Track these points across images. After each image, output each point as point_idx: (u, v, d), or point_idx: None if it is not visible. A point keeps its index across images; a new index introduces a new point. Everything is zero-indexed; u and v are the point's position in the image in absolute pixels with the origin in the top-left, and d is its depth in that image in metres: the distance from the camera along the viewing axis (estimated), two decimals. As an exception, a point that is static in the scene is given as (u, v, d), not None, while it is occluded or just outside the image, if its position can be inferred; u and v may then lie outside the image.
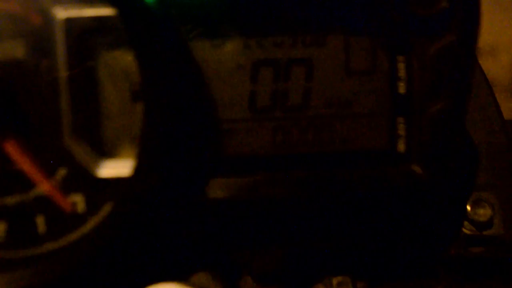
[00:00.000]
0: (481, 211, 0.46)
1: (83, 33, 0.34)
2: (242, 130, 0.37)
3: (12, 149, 0.34)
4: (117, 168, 0.35)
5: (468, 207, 0.46)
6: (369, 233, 0.40)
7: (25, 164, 0.35)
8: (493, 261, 0.46)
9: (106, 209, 0.35)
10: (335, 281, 0.42)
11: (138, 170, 0.33)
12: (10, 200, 0.35)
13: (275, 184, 0.36)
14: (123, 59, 0.35)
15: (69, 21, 0.34)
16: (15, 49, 0.34)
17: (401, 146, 0.37)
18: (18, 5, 0.34)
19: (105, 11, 0.34)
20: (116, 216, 0.34)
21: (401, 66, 0.36)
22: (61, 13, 0.34)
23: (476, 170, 0.47)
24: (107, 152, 0.36)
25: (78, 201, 0.36)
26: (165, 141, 0.34)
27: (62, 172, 0.35)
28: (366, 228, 0.40)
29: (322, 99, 0.37)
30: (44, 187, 0.35)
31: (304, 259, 0.41)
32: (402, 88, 0.37)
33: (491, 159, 0.49)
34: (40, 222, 0.36)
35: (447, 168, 0.37)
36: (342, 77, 0.37)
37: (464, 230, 0.46)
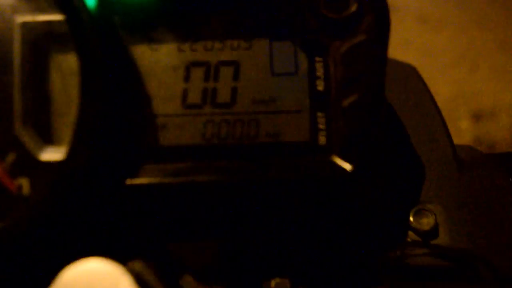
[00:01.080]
0: (424, 220, 0.47)
1: (37, 35, 0.40)
2: (175, 123, 0.41)
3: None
4: (58, 153, 0.39)
5: (411, 217, 0.47)
6: (297, 228, 0.42)
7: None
8: (437, 269, 0.46)
9: (46, 191, 0.39)
10: (273, 283, 0.44)
11: (70, 154, 0.37)
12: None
13: (202, 170, 0.39)
14: (71, 60, 0.40)
15: (25, 24, 0.39)
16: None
17: (322, 139, 0.40)
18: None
19: (56, 17, 0.39)
20: (51, 198, 0.38)
21: (319, 66, 0.40)
22: (19, 18, 0.39)
23: (420, 181, 0.49)
24: (53, 140, 0.40)
25: (24, 184, 0.39)
26: (97, 130, 0.38)
27: (11, 157, 0.39)
28: (294, 222, 0.42)
29: (249, 97, 0.41)
30: (-6, 170, 0.39)
31: (240, 254, 0.43)
32: (320, 86, 0.40)
33: (437, 174, 0.50)
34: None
35: (366, 158, 0.39)
36: (267, 77, 0.41)
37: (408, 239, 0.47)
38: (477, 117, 1.43)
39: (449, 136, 0.54)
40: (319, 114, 0.40)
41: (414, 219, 0.47)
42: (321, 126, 0.40)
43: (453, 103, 1.41)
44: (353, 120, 0.39)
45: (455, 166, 0.51)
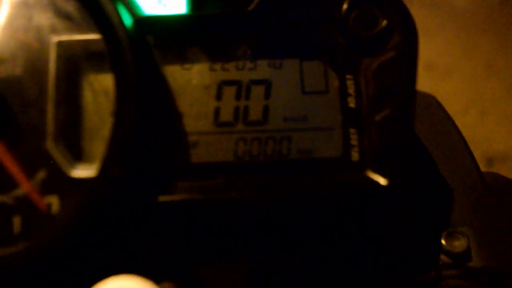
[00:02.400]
0: (456, 243, 0.47)
1: (72, 54, 0.41)
2: (207, 141, 0.41)
3: (0, 151, 0.39)
4: (89, 170, 0.39)
5: (443, 240, 0.47)
6: (332, 244, 0.41)
7: (10, 164, 0.39)
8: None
9: (77, 208, 0.38)
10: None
11: (102, 171, 0.37)
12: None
13: (234, 187, 0.39)
14: (105, 78, 0.41)
15: (61, 43, 0.40)
16: (15, 68, 0.40)
17: (355, 155, 0.40)
18: (24, 33, 0.41)
19: (92, 36, 0.40)
20: (81, 215, 0.37)
21: (350, 83, 0.41)
22: (55, 38, 0.40)
23: (451, 204, 0.48)
24: (84, 158, 0.40)
25: (53, 202, 0.39)
26: (129, 147, 0.38)
27: (41, 174, 0.39)
28: (328, 239, 0.41)
29: (280, 115, 0.41)
30: (25, 187, 0.39)
31: (274, 275, 0.42)
32: (352, 102, 0.40)
33: (465, 198, 0.50)
34: (16, 222, 0.39)
35: (400, 172, 0.38)
36: (298, 95, 0.41)
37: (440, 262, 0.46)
38: (489, 161, 1.42)
39: (475, 162, 0.54)
40: (351, 130, 0.40)
41: (446, 242, 0.46)
42: (354, 142, 0.40)
43: (465, 149, 1.41)
44: (386, 135, 0.39)
45: (483, 190, 0.51)
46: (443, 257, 0.47)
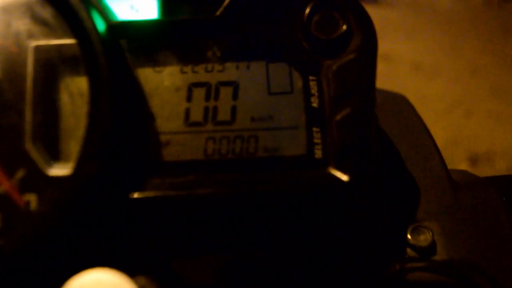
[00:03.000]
0: (422, 237, 0.49)
1: (49, 58, 0.43)
2: (178, 140, 0.43)
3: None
4: (66, 169, 0.41)
5: (408, 235, 0.49)
6: (297, 239, 0.43)
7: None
8: (437, 284, 0.47)
9: (53, 205, 0.40)
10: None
11: (77, 169, 0.39)
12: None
13: (204, 183, 0.41)
14: (81, 81, 0.43)
15: (38, 47, 0.42)
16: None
17: (318, 152, 0.42)
18: (1, 38, 0.43)
19: (67, 41, 0.42)
20: (57, 211, 0.39)
21: (313, 84, 0.43)
22: (32, 43, 0.42)
23: (417, 201, 0.50)
24: (61, 157, 0.42)
25: (32, 199, 0.41)
26: (103, 146, 0.40)
27: (20, 172, 0.41)
28: (294, 234, 0.43)
29: (247, 115, 0.43)
30: (4, 186, 0.41)
31: (242, 268, 0.44)
32: (315, 102, 0.43)
33: (432, 194, 0.52)
34: (-5, 218, 0.41)
35: (361, 168, 0.41)
36: (264, 96, 0.43)
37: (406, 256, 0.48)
38: (473, 161, 1.45)
39: (442, 159, 0.56)
40: (315, 129, 0.42)
41: (411, 236, 0.49)
42: (317, 141, 0.42)
43: (449, 148, 1.43)
44: (347, 133, 0.41)
45: (449, 186, 0.53)
46: (408, 250, 0.49)
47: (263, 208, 0.42)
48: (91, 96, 0.40)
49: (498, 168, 1.46)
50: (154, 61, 0.43)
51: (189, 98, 0.43)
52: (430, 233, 0.49)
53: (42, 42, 0.43)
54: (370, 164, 0.41)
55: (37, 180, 0.41)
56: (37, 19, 0.43)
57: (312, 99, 0.43)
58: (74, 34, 0.41)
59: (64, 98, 0.43)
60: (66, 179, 0.40)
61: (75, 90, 0.43)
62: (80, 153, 0.39)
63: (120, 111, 0.41)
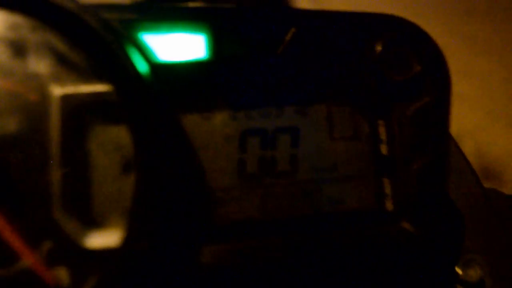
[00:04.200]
0: (471, 272, 0.47)
1: (78, 109, 0.36)
2: (232, 197, 0.37)
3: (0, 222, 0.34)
4: (105, 239, 0.35)
5: (459, 270, 0.46)
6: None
7: (11, 236, 0.34)
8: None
9: (91, 282, 0.34)
10: None
11: (127, 240, 0.33)
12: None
13: (266, 249, 0.36)
14: (115, 133, 0.36)
15: (65, 97, 0.35)
16: (12, 124, 0.35)
17: (389, 205, 0.38)
18: (18, 82, 0.35)
19: (101, 87, 0.35)
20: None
21: (382, 129, 0.39)
22: (58, 90, 0.35)
23: (463, 232, 0.48)
24: (96, 223, 0.36)
25: (62, 274, 0.35)
26: (155, 211, 0.34)
27: (47, 244, 0.35)
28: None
29: (309, 164, 0.38)
30: (28, 260, 0.35)
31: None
32: (384, 149, 0.38)
33: (474, 222, 0.50)
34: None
35: (435, 223, 0.37)
36: (326, 143, 0.39)
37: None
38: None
39: (477, 178, 0.54)
40: (385, 179, 0.38)
41: (462, 271, 0.47)
42: (387, 192, 0.38)
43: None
44: (422, 184, 0.37)
45: (486, 211, 0.51)
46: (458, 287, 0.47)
47: (330, 269, 0.38)
48: (137, 150, 0.34)
49: (468, 148, 1.48)
50: (201, 108, 0.38)
51: (242, 148, 0.38)
52: (479, 267, 0.47)
53: (69, 89, 0.35)
54: (443, 217, 0.38)
55: (69, 252, 0.35)
56: (61, 60, 0.35)
57: (381, 146, 0.39)
58: (110, 80, 0.35)
59: (96, 153, 0.36)
60: (113, 252, 0.34)
61: (109, 144, 0.36)
62: (130, 219, 0.34)
63: (168, 166, 0.35)
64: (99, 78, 0.35)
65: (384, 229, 0.38)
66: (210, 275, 0.36)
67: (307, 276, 0.38)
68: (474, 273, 0.47)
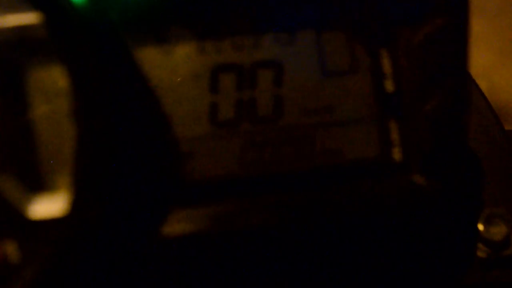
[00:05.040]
0: (495, 229, 0.40)
1: (7, 47, 0.28)
2: (204, 149, 0.31)
3: None
4: (53, 205, 0.28)
5: (481, 226, 0.40)
6: (370, 264, 0.34)
7: None
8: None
9: (42, 256, 0.28)
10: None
11: (74, 206, 0.27)
12: None
13: (248, 212, 0.30)
14: (55, 75, 0.29)
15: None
16: None
17: (397, 155, 0.31)
18: None
19: (29, 19, 0.28)
20: (53, 264, 0.28)
21: (386, 61, 0.31)
22: (-24, 23, 0.28)
23: (484, 184, 0.41)
24: (42, 187, 0.29)
25: (10, 248, 0.29)
26: (107, 168, 0.27)
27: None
28: (366, 258, 0.33)
29: (297, 107, 0.31)
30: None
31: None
32: (389, 86, 0.31)
33: (496, 172, 0.43)
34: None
35: (451, 174, 0.31)
36: (318, 79, 0.31)
37: (478, 253, 0.40)
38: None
39: (500, 124, 0.47)
40: (391, 123, 0.31)
41: (484, 229, 0.40)
42: (394, 138, 0.31)
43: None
44: (438, 129, 0.30)
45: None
46: (479, 245, 0.41)
47: (329, 237, 0.31)
48: (75, 96, 0.27)
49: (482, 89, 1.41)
50: (160, 39, 0.30)
51: (213, 88, 0.31)
52: (505, 224, 0.41)
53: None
54: (462, 170, 0.31)
55: (14, 224, 0.29)
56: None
57: (386, 82, 0.31)
58: (38, 7, 0.27)
59: (36, 102, 0.29)
60: (60, 221, 0.28)
61: (50, 89, 0.29)
62: (75, 183, 0.27)
63: (119, 113, 0.29)
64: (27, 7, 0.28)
65: (391, 184, 0.31)
66: (178, 247, 0.30)
67: (297, 245, 0.31)
68: (499, 230, 0.41)
